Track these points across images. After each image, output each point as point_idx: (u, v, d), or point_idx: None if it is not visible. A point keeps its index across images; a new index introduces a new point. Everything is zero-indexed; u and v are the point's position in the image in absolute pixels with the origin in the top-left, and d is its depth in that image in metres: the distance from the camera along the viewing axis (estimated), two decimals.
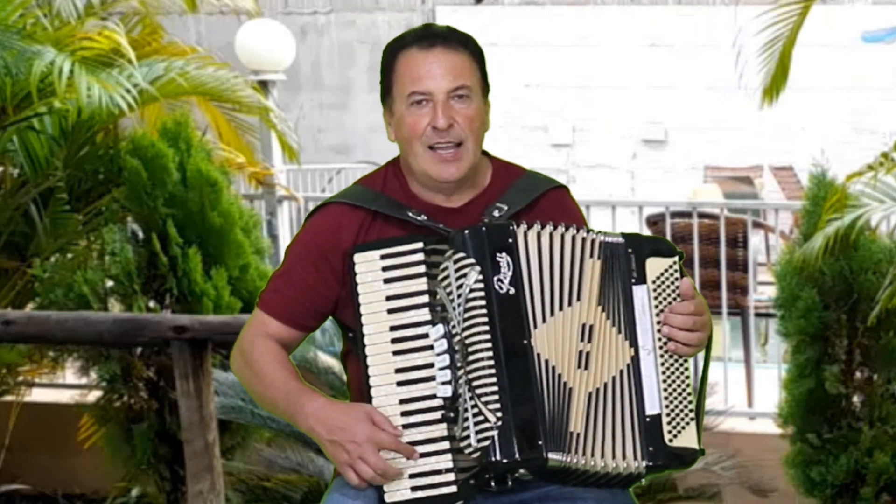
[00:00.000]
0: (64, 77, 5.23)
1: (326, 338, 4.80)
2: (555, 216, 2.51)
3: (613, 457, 2.45)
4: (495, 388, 2.37)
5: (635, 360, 2.48)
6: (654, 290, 2.49)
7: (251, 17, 7.43)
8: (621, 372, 2.47)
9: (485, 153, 2.59)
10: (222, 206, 5.57)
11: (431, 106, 2.48)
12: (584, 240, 2.48)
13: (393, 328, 2.42)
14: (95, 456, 5.76)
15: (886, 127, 12.42)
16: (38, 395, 6.57)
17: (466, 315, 2.39)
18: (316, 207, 2.59)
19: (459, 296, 2.40)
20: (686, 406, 2.49)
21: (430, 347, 2.41)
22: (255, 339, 2.54)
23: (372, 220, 2.53)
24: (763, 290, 7.30)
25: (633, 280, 2.49)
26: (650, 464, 2.46)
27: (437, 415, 2.41)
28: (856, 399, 5.02)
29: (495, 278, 2.40)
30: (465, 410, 2.38)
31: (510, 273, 2.42)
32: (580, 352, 2.45)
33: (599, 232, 2.51)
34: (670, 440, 2.47)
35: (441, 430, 2.41)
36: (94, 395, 5.72)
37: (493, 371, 2.38)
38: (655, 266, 2.50)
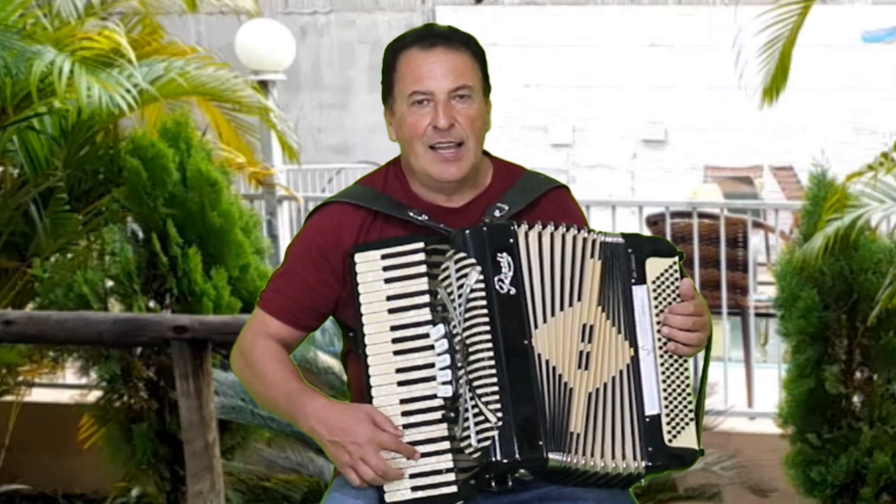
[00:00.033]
0: (64, 77, 5.23)
1: (326, 338, 4.80)
2: (556, 216, 2.52)
3: (613, 457, 2.45)
4: (496, 389, 2.38)
5: (635, 360, 2.48)
6: (654, 291, 2.49)
7: (251, 17, 7.43)
8: (621, 372, 2.47)
9: (486, 153, 2.59)
10: (222, 206, 5.57)
11: (432, 106, 2.48)
12: (584, 240, 2.48)
13: (394, 328, 2.42)
14: (95, 456, 5.76)
15: (886, 127, 12.42)
16: (38, 395, 6.57)
17: (467, 315, 2.39)
18: (316, 207, 2.59)
19: (460, 296, 2.40)
20: (685, 406, 2.49)
21: (431, 347, 2.41)
22: (256, 339, 2.54)
23: (373, 219, 2.53)
24: (763, 290, 7.30)
25: (632, 280, 2.49)
26: (649, 464, 2.46)
27: (438, 415, 2.41)
28: (856, 399, 5.02)
29: (496, 278, 2.41)
30: (466, 410, 2.38)
31: (511, 273, 2.42)
32: (580, 352, 2.45)
33: (599, 232, 2.51)
34: (670, 440, 2.47)
35: (441, 430, 2.41)
36: (94, 395, 5.72)
37: (493, 371, 2.38)
38: (655, 266, 2.50)
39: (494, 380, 2.38)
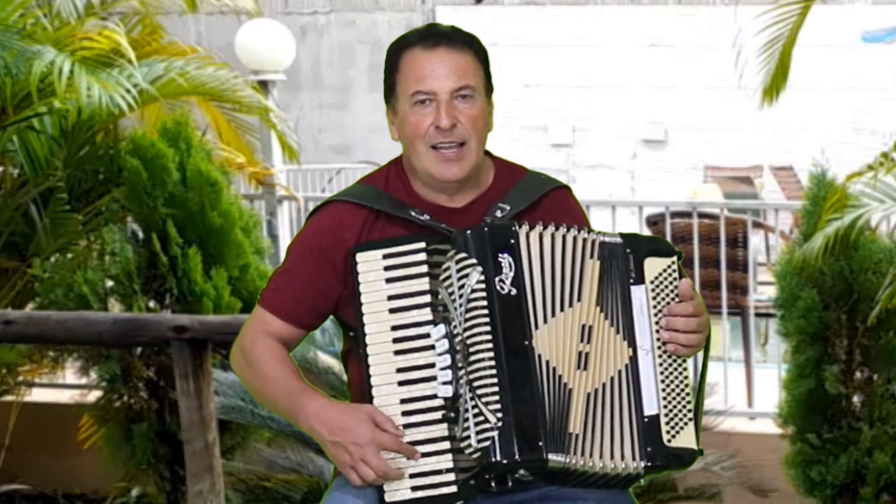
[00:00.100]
0: (64, 77, 5.23)
1: (326, 338, 4.80)
2: (557, 216, 2.52)
3: (612, 457, 2.45)
4: (496, 389, 2.38)
5: (633, 360, 2.48)
6: (653, 291, 2.49)
7: (251, 17, 7.43)
8: (619, 372, 2.47)
9: (487, 153, 2.59)
10: (222, 206, 5.57)
11: (435, 105, 2.48)
12: (584, 240, 2.48)
13: (394, 328, 2.43)
14: (95, 456, 5.76)
15: (886, 127, 12.42)
16: (38, 395, 6.56)
17: (468, 315, 2.39)
18: (318, 206, 2.59)
19: (461, 296, 2.40)
20: (684, 406, 2.49)
21: (432, 347, 2.41)
22: (256, 337, 2.54)
23: (374, 219, 2.53)
24: (763, 290, 7.30)
25: (631, 280, 2.49)
26: (648, 464, 2.46)
27: (438, 415, 2.41)
28: (856, 399, 5.02)
29: (497, 279, 2.41)
30: (466, 411, 2.38)
31: (512, 273, 2.42)
32: (579, 352, 2.45)
33: (599, 232, 2.51)
34: (668, 440, 2.47)
35: (442, 430, 2.41)
36: (94, 395, 5.72)
37: (493, 371, 2.38)
38: (654, 266, 2.50)
39: (495, 380, 2.38)
